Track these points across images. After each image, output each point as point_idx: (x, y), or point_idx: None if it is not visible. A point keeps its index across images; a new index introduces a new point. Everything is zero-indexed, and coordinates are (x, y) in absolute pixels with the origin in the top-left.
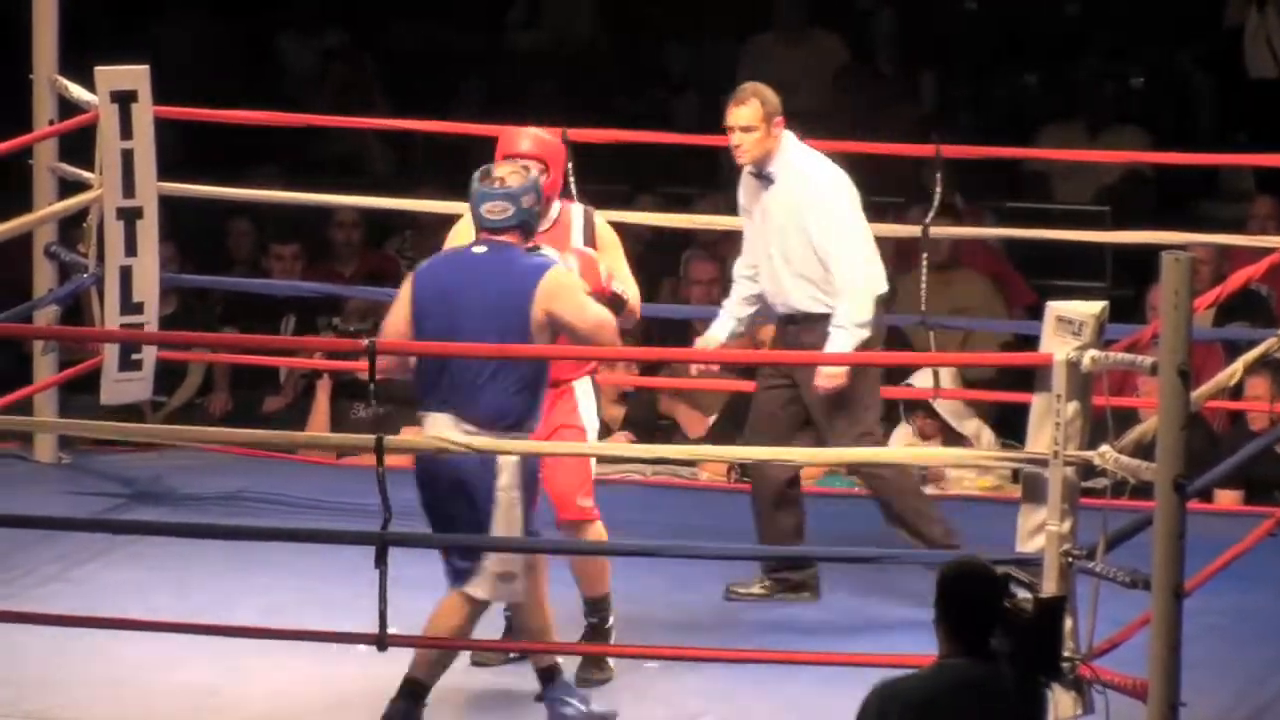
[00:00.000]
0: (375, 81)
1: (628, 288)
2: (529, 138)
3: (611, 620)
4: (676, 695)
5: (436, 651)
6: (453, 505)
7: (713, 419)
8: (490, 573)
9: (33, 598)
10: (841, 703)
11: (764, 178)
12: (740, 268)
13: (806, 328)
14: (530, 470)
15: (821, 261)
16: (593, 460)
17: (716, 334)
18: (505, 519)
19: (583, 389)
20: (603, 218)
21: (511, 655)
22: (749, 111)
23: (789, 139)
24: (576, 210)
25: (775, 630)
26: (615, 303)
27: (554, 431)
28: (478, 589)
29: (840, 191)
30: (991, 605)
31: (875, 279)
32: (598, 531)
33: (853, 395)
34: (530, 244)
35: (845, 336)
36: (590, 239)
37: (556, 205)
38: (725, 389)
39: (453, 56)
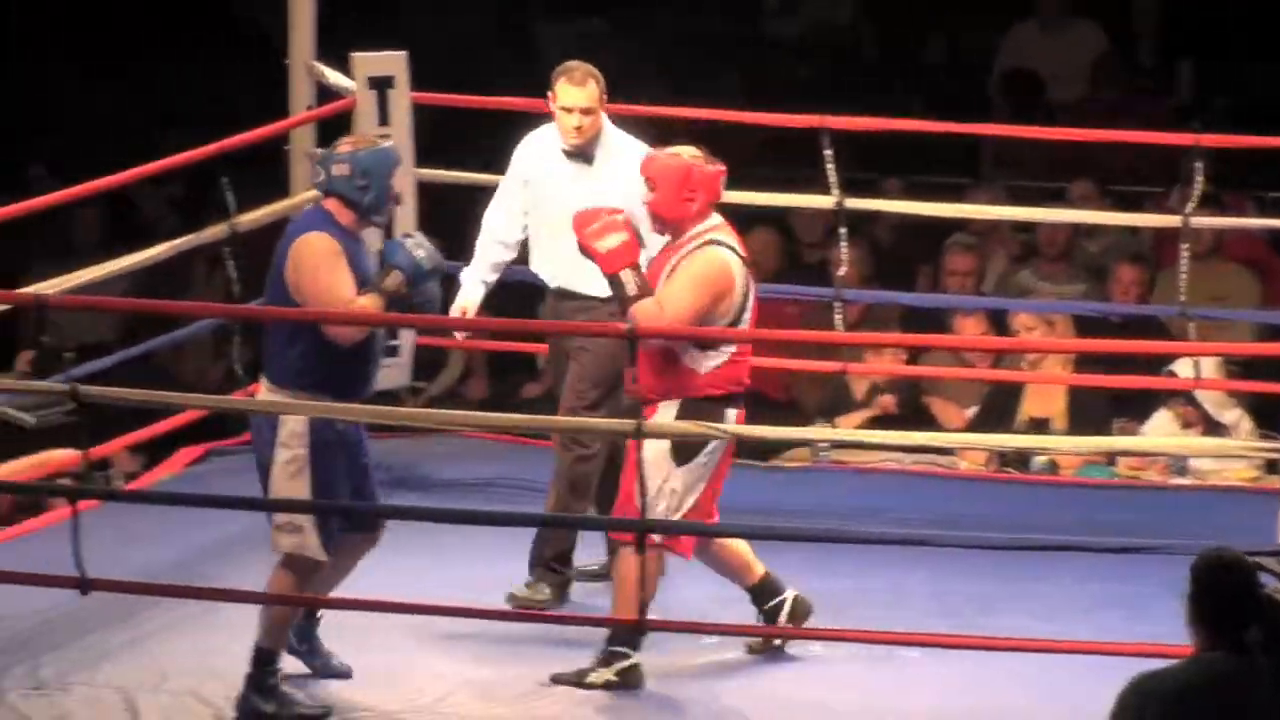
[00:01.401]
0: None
1: (668, 301)
2: (650, 158)
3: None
4: (934, 684)
5: (277, 618)
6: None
7: (971, 411)
8: (275, 525)
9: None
10: (1098, 695)
11: (582, 157)
12: (498, 234)
13: (582, 306)
14: (332, 430)
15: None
16: (666, 491)
17: (473, 298)
18: (283, 473)
19: (665, 413)
20: (715, 251)
21: (776, 642)
22: (589, 93)
23: (605, 117)
24: (703, 237)
25: (1036, 619)
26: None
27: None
28: (273, 545)
29: None
30: (1245, 597)
31: None
32: (629, 557)
33: (593, 370)
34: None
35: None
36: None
37: (706, 224)
38: (983, 378)
39: (711, 43)
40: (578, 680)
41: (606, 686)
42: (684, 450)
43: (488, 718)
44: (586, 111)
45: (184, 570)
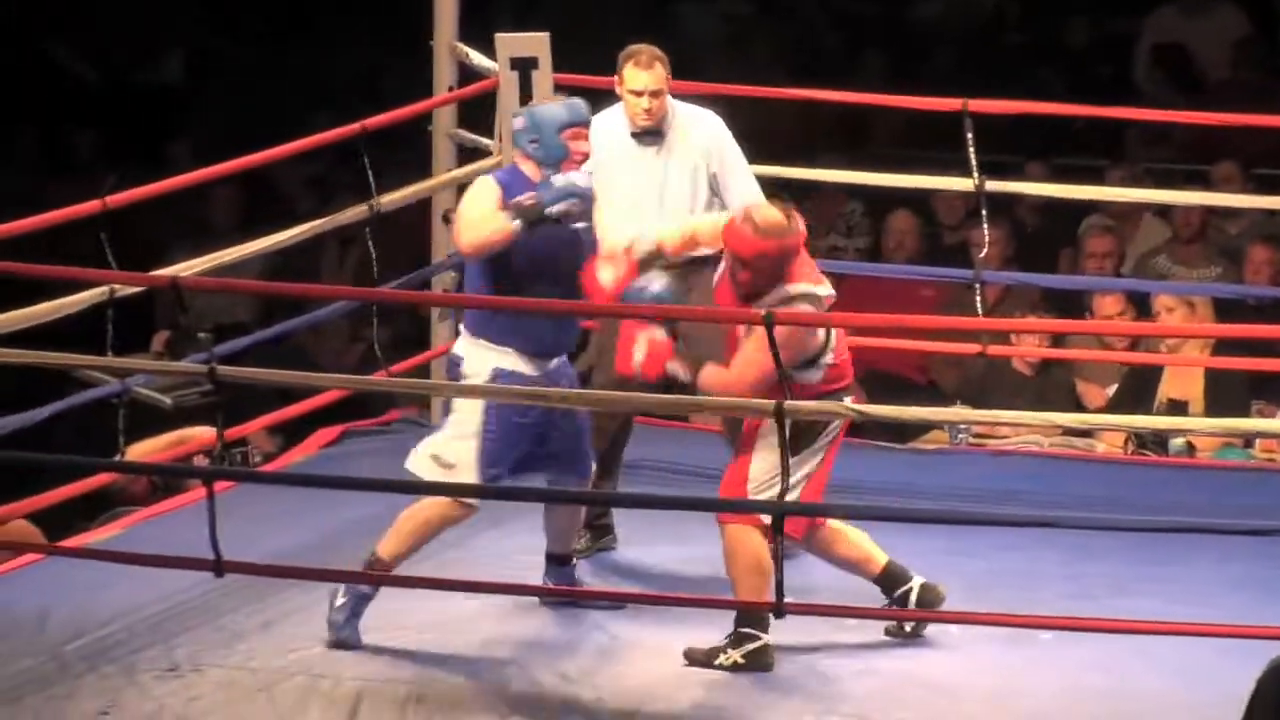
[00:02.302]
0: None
1: (740, 366)
2: (735, 234)
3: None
4: (1068, 666)
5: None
6: None
7: (1111, 390)
8: (431, 455)
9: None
10: (1235, 678)
11: (651, 136)
12: None
13: (693, 270)
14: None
15: (721, 200)
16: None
17: None
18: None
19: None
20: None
21: (909, 626)
22: (656, 75)
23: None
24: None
25: (1172, 602)
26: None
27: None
28: (412, 463)
29: None
30: None
31: None
32: (732, 535)
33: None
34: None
35: None
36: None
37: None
38: (1120, 361)
39: (856, 26)
40: (708, 660)
41: (734, 668)
42: (803, 437)
43: (625, 692)
44: (655, 94)
45: (319, 552)
